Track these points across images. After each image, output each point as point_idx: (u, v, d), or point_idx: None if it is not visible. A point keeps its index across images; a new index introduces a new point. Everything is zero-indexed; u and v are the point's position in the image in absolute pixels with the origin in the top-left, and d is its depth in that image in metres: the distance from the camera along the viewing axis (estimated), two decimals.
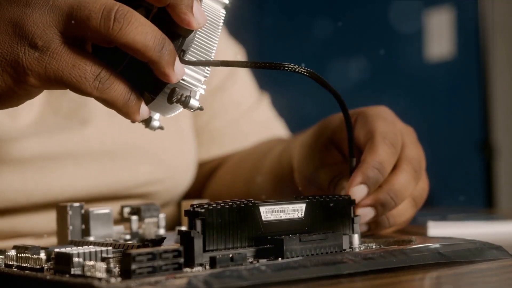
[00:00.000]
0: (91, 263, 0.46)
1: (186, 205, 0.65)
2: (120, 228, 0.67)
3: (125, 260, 0.44)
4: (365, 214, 0.63)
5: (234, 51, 1.01)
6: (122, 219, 0.68)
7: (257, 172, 0.88)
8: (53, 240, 0.70)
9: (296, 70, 0.55)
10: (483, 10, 2.50)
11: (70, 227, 0.63)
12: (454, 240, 0.60)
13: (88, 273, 0.46)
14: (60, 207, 0.64)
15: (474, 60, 2.54)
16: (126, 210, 0.68)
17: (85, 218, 0.64)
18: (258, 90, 1.05)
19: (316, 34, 2.59)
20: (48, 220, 0.77)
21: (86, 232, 0.64)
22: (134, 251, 0.44)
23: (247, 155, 0.95)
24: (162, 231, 0.68)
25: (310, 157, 0.71)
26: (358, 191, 0.62)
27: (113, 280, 0.44)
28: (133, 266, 0.44)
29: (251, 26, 2.34)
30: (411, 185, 0.64)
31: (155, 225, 0.68)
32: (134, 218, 0.68)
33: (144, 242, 0.53)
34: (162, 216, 0.69)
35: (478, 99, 2.54)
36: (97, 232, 0.64)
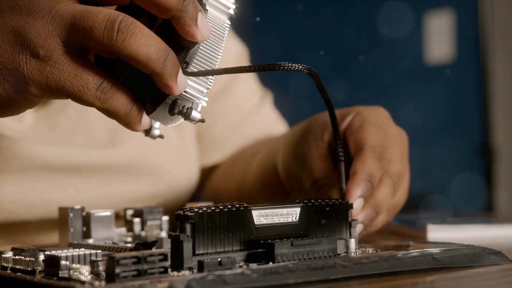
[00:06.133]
0: (77, 266, 0.45)
1: (191, 206, 0.64)
2: (122, 230, 0.66)
3: (110, 264, 0.43)
4: (357, 232, 0.61)
5: (238, 52, 0.99)
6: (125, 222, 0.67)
7: (246, 176, 0.86)
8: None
9: (296, 68, 0.54)
10: (483, 13, 2.47)
11: (71, 229, 0.62)
12: (453, 245, 0.58)
13: (74, 276, 0.45)
14: (61, 209, 0.63)
15: (474, 63, 2.50)
16: (129, 212, 0.67)
17: (86, 221, 0.63)
18: (261, 89, 1.03)
19: (315, 36, 2.57)
20: (47, 232, 0.76)
21: (87, 234, 0.63)
22: (118, 255, 0.43)
23: (239, 157, 0.93)
24: (164, 234, 0.67)
25: (296, 153, 0.70)
26: (357, 205, 0.61)
27: (97, 283, 0.43)
28: (117, 270, 0.43)
29: (252, 25, 2.32)
30: (389, 198, 0.64)
31: (158, 227, 0.67)
32: (137, 220, 0.67)
33: (135, 245, 0.52)
34: (165, 218, 0.68)
35: (478, 102, 2.50)
36: (98, 234, 0.63)
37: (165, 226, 0.68)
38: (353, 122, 0.66)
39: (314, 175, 0.66)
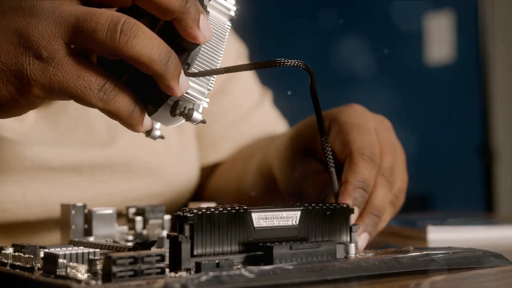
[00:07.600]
0: (74, 264, 0.44)
1: (193, 206, 0.63)
2: (123, 228, 0.65)
3: (106, 263, 0.42)
4: (363, 241, 0.60)
5: (237, 51, 0.98)
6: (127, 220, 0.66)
7: (244, 177, 0.85)
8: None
9: (293, 64, 0.53)
10: (483, 13, 2.45)
11: (73, 226, 0.61)
12: (453, 249, 0.56)
13: (71, 275, 0.44)
14: (63, 206, 0.62)
15: (474, 63, 2.48)
16: (131, 210, 0.66)
17: (88, 218, 0.62)
18: (261, 87, 1.01)
19: (315, 37, 2.55)
20: (47, 232, 0.75)
21: (88, 232, 0.62)
22: (115, 254, 0.42)
23: (238, 157, 0.92)
24: (165, 233, 0.66)
25: (290, 171, 0.68)
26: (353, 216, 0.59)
27: (93, 282, 0.42)
28: (114, 269, 0.42)
29: (252, 25, 2.30)
30: (388, 196, 0.62)
31: (160, 226, 0.66)
32: (139, 219, 0.66)
33: (134, 245, 0.51)
34: (167, 217, 0.67)
35: (478, 103, 2.49)
36: (99, 232, 0.62)
37: (167, 225, 0.67)
38: (332, 129, 0.64)
39: (316, 186, 0.64)
